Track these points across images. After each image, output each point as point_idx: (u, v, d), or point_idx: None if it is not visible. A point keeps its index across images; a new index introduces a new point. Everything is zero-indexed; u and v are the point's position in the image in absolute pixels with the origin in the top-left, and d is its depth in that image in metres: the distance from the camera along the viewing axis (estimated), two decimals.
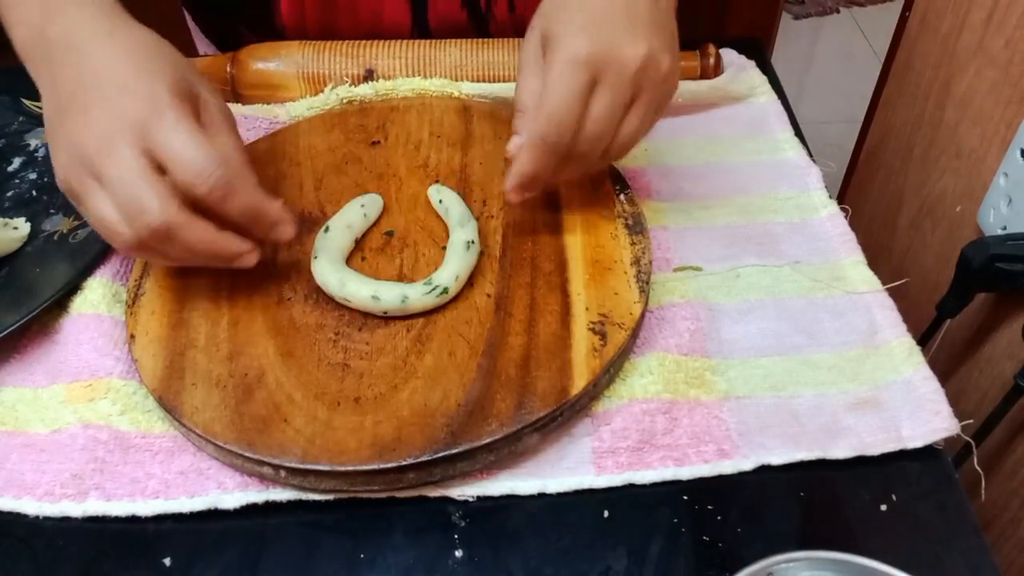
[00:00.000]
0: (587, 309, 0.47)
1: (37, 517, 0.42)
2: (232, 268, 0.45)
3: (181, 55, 0.46)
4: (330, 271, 0.48)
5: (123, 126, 0.40)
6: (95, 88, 0.41)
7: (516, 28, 0.71)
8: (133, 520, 0.42)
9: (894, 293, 0.52)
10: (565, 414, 0.44)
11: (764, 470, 0.44)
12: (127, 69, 0.42)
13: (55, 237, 0.54)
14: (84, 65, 0.43)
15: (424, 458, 0.41)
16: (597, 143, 0.45)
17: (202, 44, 0.79)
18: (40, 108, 0.62)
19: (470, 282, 0.49)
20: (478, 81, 0.64)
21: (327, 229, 0.51)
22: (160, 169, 0.41)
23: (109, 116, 0.40)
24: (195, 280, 0.50)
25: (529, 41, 0.47)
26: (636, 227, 0.52)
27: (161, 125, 0.40)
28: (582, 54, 0.43)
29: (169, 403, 0.44)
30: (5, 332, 0.47)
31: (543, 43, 0.46)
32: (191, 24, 0.79)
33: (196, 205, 0.42)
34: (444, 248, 0.50)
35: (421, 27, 0.69)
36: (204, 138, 0.41)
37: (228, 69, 0.64)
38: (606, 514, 0.42)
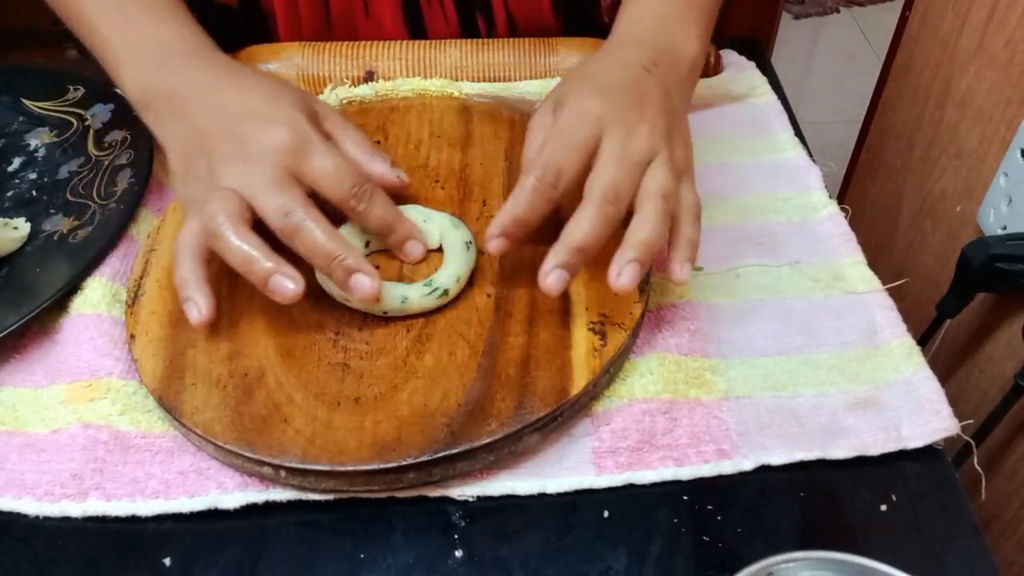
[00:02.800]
0: (587, 309, 0.47)
1: (37, 517, 0.42)
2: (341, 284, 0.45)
3: (294, 84, 0.51)
4: None
5: (274, 152, 0.44)
6: (237, 121, 0.45)
7: None
8: (133, 520, 0.42)
9: (894, 293, 0.52)
10: (565, 414, 0.44)
11: (764, 470, 0.44)
12: (261, 101, 0.46)
13: (55, 237, 0.54)
14: (217, 100, 0.46)
15: (424, 458, 0.41)
16: (601, 197, 0.42)
17: None
18: (41, 108, 0.63)
19: (470, 282, 0.49)
20: (478, 81, 0.64)
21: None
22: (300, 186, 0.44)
23: (259, 145, 0.44)
24: None
25: (541, 109, 0.47)
26: None
27: (309, 150, 0.44)
28: (593, 110, 0.44)
29: (169, 403, 0.44)
30: (5, 332, 0.47)
31: (555, 108, 0.46)
32: None
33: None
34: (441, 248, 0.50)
35: None
36: (345, 158, 0.45)
37: None
38: (606, 514, 0.42)
